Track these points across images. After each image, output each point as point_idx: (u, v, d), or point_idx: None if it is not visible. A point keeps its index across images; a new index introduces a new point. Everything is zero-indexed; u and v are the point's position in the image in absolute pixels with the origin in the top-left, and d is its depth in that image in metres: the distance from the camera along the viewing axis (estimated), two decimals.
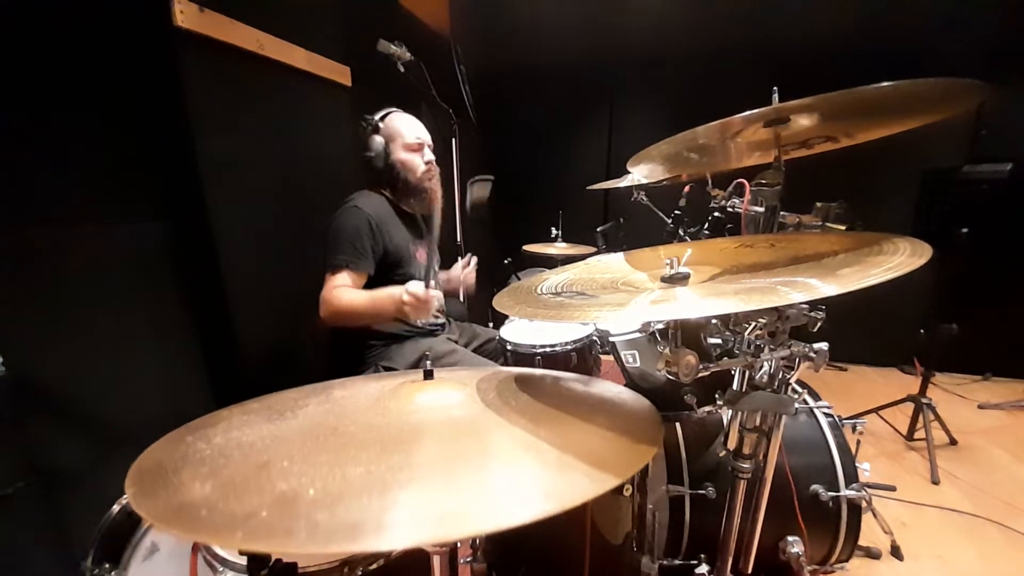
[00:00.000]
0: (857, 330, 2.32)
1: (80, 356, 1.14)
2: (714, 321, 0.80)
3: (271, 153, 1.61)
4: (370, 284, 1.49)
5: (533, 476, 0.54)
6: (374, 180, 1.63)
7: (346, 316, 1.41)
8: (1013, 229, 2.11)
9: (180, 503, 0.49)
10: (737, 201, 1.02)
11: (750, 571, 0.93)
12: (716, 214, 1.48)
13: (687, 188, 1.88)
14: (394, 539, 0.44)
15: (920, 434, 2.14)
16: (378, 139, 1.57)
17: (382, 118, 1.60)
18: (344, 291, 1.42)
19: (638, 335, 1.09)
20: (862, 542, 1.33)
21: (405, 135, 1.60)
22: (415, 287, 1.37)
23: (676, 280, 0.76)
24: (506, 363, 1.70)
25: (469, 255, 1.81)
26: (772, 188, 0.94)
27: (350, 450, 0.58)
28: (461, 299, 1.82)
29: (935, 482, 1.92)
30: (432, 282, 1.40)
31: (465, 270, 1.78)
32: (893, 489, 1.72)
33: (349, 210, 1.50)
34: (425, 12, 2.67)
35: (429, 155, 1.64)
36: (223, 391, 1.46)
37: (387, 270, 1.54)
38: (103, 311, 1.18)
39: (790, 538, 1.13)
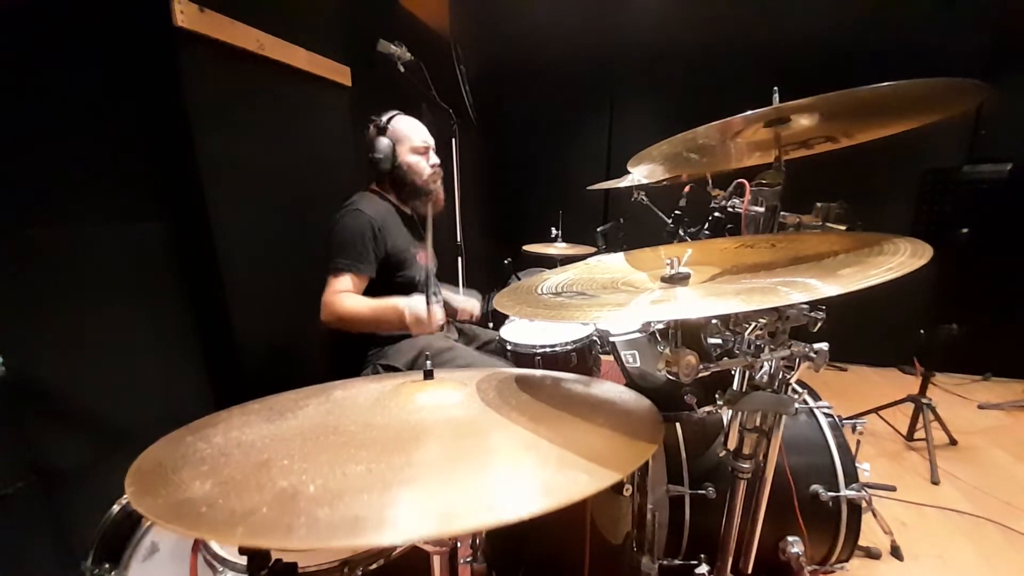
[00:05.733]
0: (857, 330, 2.33)
1: (80, 356, 1.14)
2: (714, 321, 0.80)
3: (271, 153, 1.61)
4: (372, 286, 1.49)
5: (533, 473, 0.54)
6: (378, 181, 1.64)
7: (348, 323, 1.42)
8: (1013, 229, 2.11)
9: (180, 500, 0.49)
10: (737, 201, 1.02)
11: (750, 571, 0.93)
12: (716, 214, 1.48)
13: (687, 188, 1.88)
14: (395, 534, 0.44)
15: (920, 434, 2.14)
16: (385, 140, 1.57)
17: (388, 120, 1.60)
18: (347, 297, 1.41)
19: (638, 335, 1.09)
20: (862, 542, 1.33)
21: (412, 138, 1.62)
22: (417, 307, 1.36)
23: (676, 280, 0.76)
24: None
25: (474, 315, 1.82)
26: (772, 188, 0.94)
27: (350, 449, 0.58)
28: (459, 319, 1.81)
29: (935, 482, 1.92)
30: (434, 295, 1.40)
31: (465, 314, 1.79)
32: (893, 489, 1.72)
33: (351, 213, 1.49)
34: (425, 12, 2.67)
35: (434, 158, 1.67)
36: (223, 391, 1.46)
37: (389, 273, 1.54)
38: (103, 311, 1.18)
39: (790, 538, 1.13)
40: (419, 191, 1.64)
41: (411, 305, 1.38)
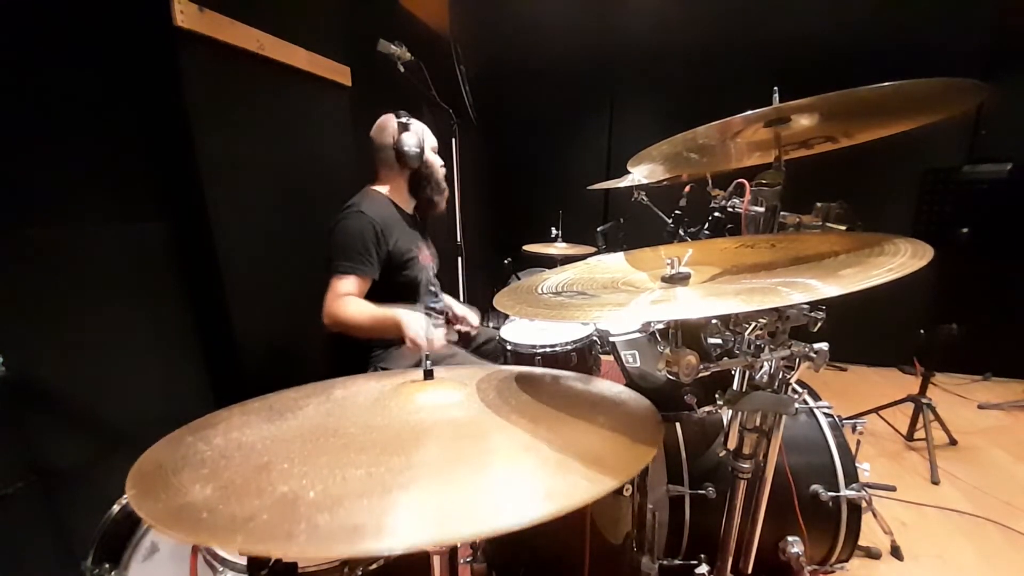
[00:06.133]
0: (857, 330, 2.32)
1: (80, 356, 1.13)
2: (714, 321, 0.80)
3: (271, 153, 1.61)
4: (375, 286, 1.49)
5: (533, 477, 0.54)
6: (398, 174, 1.63)
7: (348, 327, 1.42)
8: (1013, 229, 2.11)
9: (180, 505, 0.49)
10: (737, 201, 1.02)
11: (750, 571, 0.93)
12: (716, 214, 1.48)
13: (687, 188, 1.88)
14: (395, 541, 0.43)
15: (920, 434, 2.14)
16: (413, 136, 1.59)
17: (409, 118, 1.62)
18: (349, 302, 1.41)
19: (638, 335, 1.09)
20: (862, 542, 1.33)
21: (429, 138, 1.66)
22: (417, 333, 1.35)
23: (676, 280, 0.76)
24: (506, 363, 1.70)
25: (474, 329, 1.80)
26: (772, 188, 0.93)
27: (350, 452, 0.58)
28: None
29: (935, 482, 1.92)
30: (434, 308, 1.39)
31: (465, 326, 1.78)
32: (893, 489, 1.72)
33: (354, 215, 1.49)
34: (425, 12, 2.67)
35: (440, 159, 1.71)
36: (223, 391, 1.46)
37: (392, 272, 1.54)
38: (103, 311, 1.18)
39: (790, 538, 1.13)
40: (439, 187, 1.69)
41: (411, 327, 1.36)
